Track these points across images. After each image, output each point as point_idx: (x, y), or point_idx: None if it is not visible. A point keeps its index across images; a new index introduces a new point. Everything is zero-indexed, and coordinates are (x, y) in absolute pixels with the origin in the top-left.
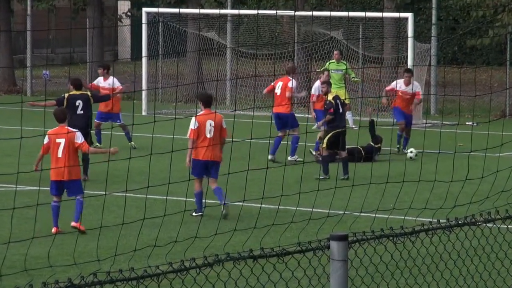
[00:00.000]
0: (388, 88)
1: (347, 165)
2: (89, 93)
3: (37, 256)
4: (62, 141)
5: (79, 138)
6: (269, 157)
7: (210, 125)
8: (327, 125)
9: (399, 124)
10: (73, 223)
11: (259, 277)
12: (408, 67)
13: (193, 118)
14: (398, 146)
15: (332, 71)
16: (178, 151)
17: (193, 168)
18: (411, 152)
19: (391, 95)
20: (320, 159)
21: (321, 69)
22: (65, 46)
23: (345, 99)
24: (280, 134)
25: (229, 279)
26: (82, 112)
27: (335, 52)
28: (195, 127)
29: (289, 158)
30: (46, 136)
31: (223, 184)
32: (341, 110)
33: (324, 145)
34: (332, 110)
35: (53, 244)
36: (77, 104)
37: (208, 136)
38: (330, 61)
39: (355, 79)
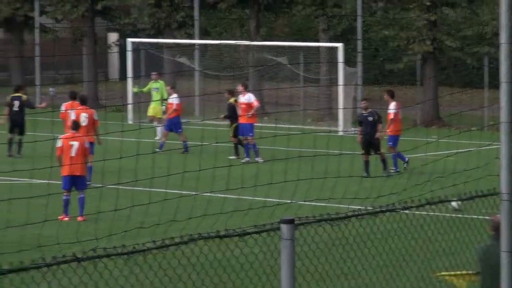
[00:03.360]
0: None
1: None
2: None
3: (48, 236)
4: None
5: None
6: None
7: (85, 117)
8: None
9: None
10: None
11: (225, 252)
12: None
13: (72, 112)
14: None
15: (153, 89)
16: (161, 153)
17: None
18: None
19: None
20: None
21: (139, 90)
22: (66, 68)
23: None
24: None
25: (200, 254)
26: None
27: (153, 73)
28: (74, 118)
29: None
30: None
31: (192, 179)
32: None
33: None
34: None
35: (60, 226)
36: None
37: (83, 124)
38: (151, 82)
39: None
